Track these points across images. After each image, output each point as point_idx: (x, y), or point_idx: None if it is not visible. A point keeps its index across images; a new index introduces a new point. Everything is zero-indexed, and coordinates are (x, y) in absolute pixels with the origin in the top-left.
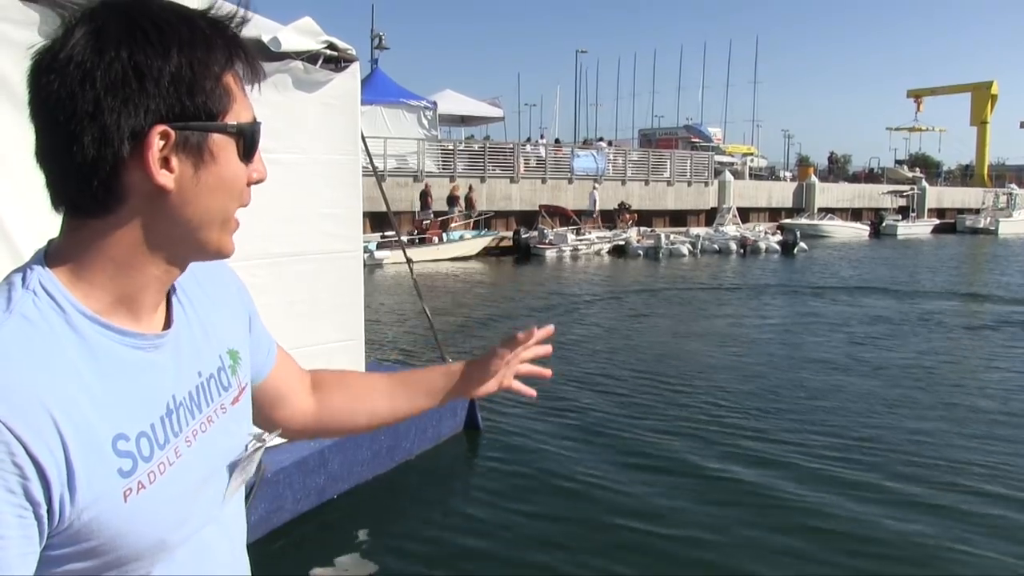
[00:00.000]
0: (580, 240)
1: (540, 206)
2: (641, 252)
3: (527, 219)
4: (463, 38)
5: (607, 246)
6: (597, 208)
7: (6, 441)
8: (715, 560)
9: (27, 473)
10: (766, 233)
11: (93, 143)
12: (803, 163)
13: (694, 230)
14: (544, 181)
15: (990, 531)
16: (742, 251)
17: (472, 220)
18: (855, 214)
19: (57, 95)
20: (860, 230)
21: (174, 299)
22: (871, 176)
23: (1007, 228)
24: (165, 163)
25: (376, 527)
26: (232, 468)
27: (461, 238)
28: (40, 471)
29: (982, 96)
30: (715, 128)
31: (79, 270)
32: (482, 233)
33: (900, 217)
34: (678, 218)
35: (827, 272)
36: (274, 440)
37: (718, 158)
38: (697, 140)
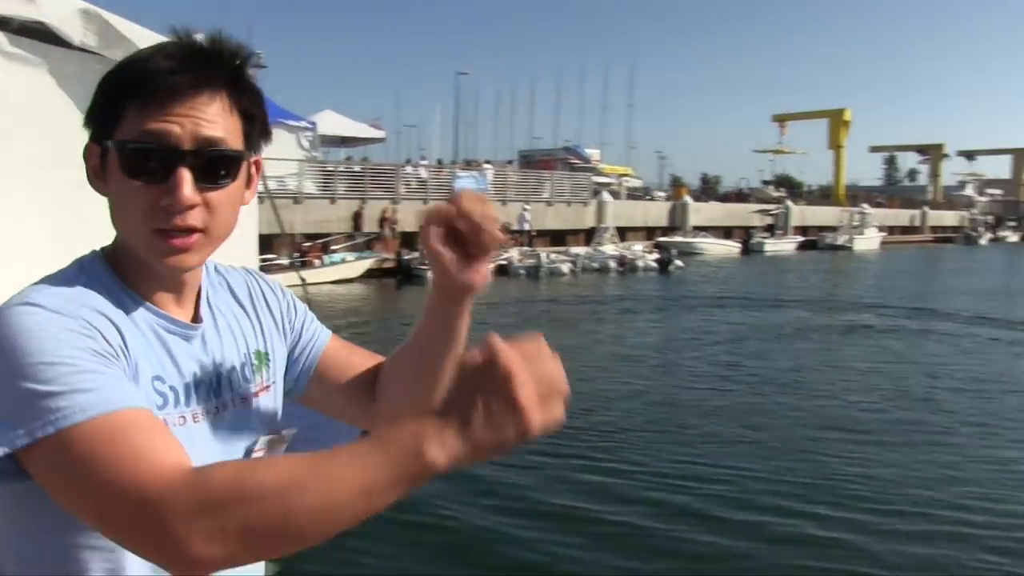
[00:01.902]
0: None
1: (422, 228)
2: (523, 271)
3: (409, 241)
4: (343, 59)
5: (489, 266)
6: (529, 228)
7: (68, 315)
8: None
9: (93, 334)
10: (643, 251)
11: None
12: (677, 183)
13: (574, 249)
14: (426, 203)
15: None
16: (621, 269)
17: (396, 241)
18: (726, 232)
19: None
20: (732, 247)
21: (203, 300)
22: (740, 196)
23: (861, 245)
24: (94, 173)
25: None
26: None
27: (343, 260)
28: (104, 336)
29: (837, 122)
30: (593, 149)
31: (128, 263)
32: (364, 255)
33: (768, 235)
34: (558, 238)
35: (702, 288)
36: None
37: (596, 179)
38: (576, 161)
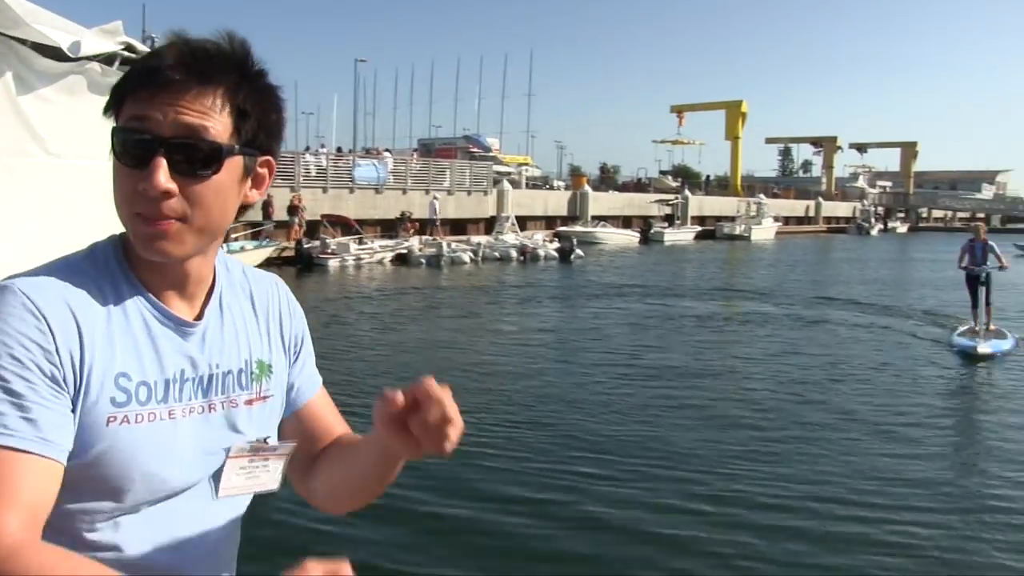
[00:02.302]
0: (363, 249)
1: (322, 216)
2: (424, 261)
3: (308, 229)
4: None
5: (390, 255)
6: (438, 216)
7: (32, 313)
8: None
9: (46, 341)
10: (544, 241)
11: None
12: (576, 173)
13: (475, 238)
14: (325, 191)
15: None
16: (522, 258)
17: (302, 229)
18: (626, 222)
19: None
20: (631, 237)
21: (213, 299)
22: (639, 186)
23: (758, 234)
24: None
25: None
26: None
27: (242, 249)
28: (56, 343)
29: (734, 113)
30: (492, 138)
31: (136, 251)
32: (263, 243)
33: (667, 225)
34: (458, 227)
35: (603, 277)
36: (285, 451)
37: (496, 168)
38: (476, 150)
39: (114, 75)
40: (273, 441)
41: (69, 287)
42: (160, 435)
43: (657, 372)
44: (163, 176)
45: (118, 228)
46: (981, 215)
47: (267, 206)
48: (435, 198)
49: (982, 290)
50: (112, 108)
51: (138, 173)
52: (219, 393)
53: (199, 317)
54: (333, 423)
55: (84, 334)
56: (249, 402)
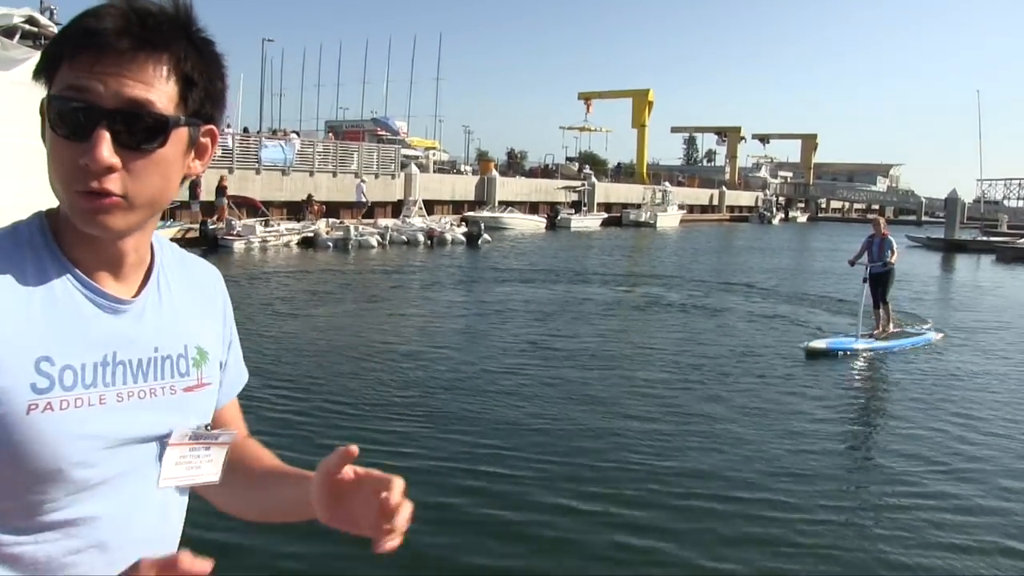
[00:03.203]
0: (269, 232)
1: (227, 196)
2: (331, 244)
3: (212, 210)
4: None
5: (296, 238)
6: (366, 199)
7: None
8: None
9: None
10: (451, 225)
11: None
12: (483, 158)
13: (382, 221)
14: (231, 171)
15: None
16: (429, 242)
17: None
18: (532, 207)
19: None
20: (538, 222)
21: (152, 278)
22: (546, 172)
23: (663, 222)
24: None
25: None
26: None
27: None
28: None
29: (641, 102)
30: (400, 122)
31: (66, 226)
32: (166, 224)
33: (573, 211)
34: (366, 210)
35: (511, 262)
36: (224, 443)
37: (404, 151)
38: (384, 133)
39: (15, 50)
40: (222, 434)
41: None
42: (89, 422)
43: (558, 359)
44: (107, 150)
45: (8, 213)
46: (876, 206)
47: (194, 186)
48: (362, 181)
49: (879, 290)
50: (44, 73)
51: (78, 146)
52: (158, 378)
53: (136, 296)
54: (242, 428)
55: (12, 306)
56: (189, 389)
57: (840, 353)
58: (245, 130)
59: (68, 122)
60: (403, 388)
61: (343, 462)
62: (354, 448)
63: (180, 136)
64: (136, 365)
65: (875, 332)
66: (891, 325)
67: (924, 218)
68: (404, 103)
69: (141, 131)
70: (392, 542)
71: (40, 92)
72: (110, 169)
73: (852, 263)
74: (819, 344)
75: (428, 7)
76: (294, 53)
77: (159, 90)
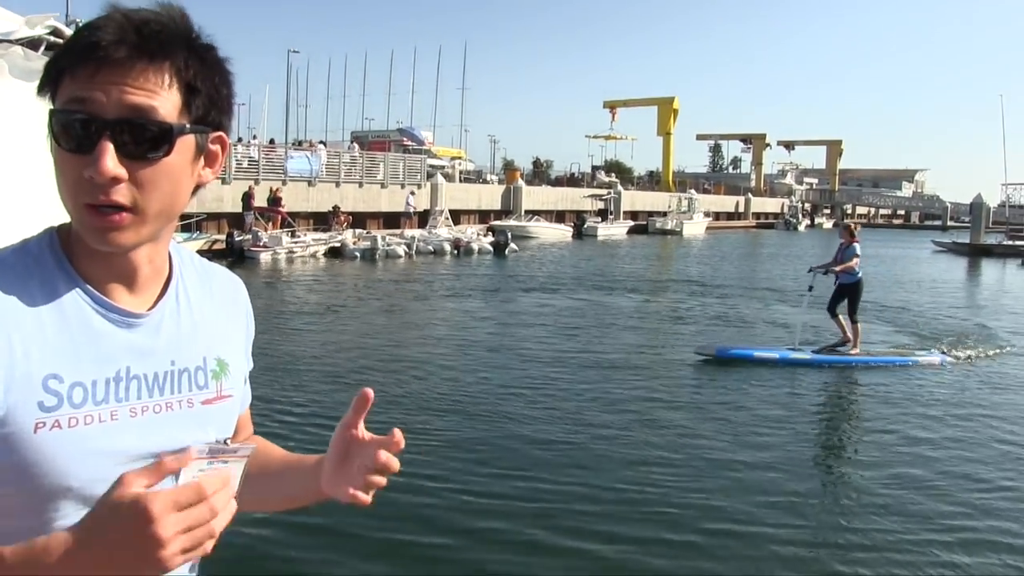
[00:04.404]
0: (295, 242)
1: (253, 208)
2: (358, 254)
3: (240, 221)
4: None
5: (323, 248)
6: (414, 209)
7: None
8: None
9: None
10: (478, 234)
11: None
12: (510, 167)
13: (409, 231)
14: (257, 183)
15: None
16: (456, 252)
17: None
18: (559, 216)
19: None
20: (564, 231)
21: (171, 290)
22: (572, 180)
23: (689, 229)
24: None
25: None
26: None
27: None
28: None
29: (666, 110)
30: (426, 132)
31: (78, 241)
32: (193, 236)
33: (600, 219)
34: (391, 220)
35: (539, 271)
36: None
37: (429, 161)
38: (410, 143)
39: (38, 60)
40: (241, 447)
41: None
42: (100, 438)
43: (585, 368)
44: (111, 161)
45: (37, 221)
46: (902, 212)
47: (248, 197)
48: (412, 193)
49: (842, 303)
50: (47, 87)
51: (82, 159)
52: (175, 391)
53: (152, 308)
54: (251, 436)
55: (21, 324)
56: (208, 401)
57: (750, 361)
58: (271, 141)
59: (72, 135)
60: (435, 395)
61: (362, 407)
62: (369, 391)
63: (187, 144)
64: (152, 379)
65: (851, 349)
66: (857, 346)
67: (950, 223)
68: (430, 113)
69: (145, 140)
70: (368, 496)
71: None
72: (116, 180)
73: (812, 270)
74: (709, 351)
75: (453, 17)
76: (320, 64)
77: (162, 98)
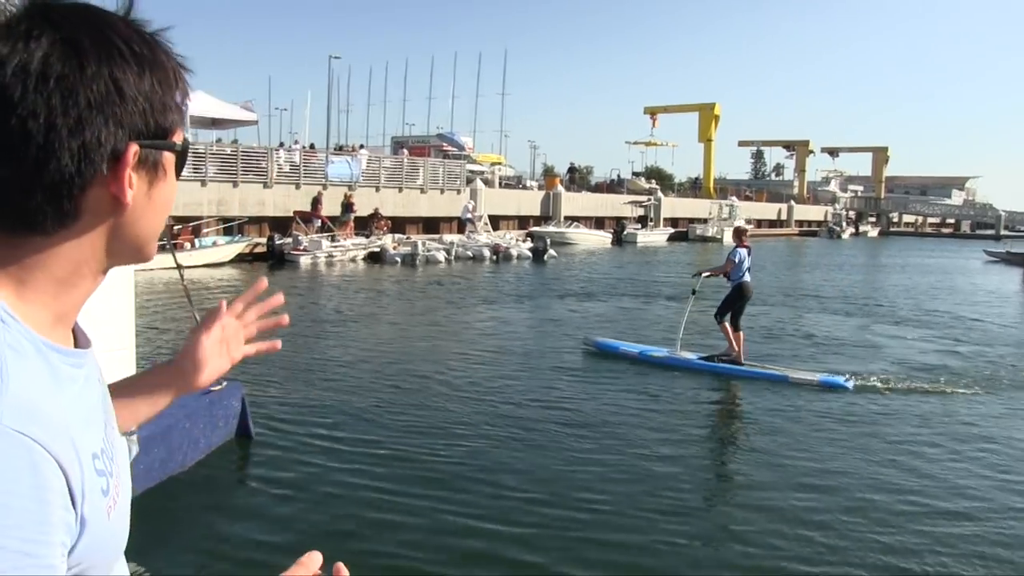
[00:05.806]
0: (335, 247)
1: (294, 212)
2: (398, 259)
3: (281, 225)
4: (212, 38)
5: (362, 253)
6: (473, 215)
7: (52, 468)
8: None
9: (65, 500)
10: (517, 240)
11: (73, 160)
12: (549, 173)
13: (448, 237)
14: (298, 187)
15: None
16: (495, 257)
17: (351, 224)
18: (598, 222)
19: (32, 110)
20: (604, 238)
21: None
22: (612, 187)
23: (730, 236)
24: (128, 180)
25: (150, 539)
26: None
27: (214, 244)
28: (72, 495)
29: (707, 116)
30: (466, 137)
31: (22, 291)
32: (235, 239)
33: (639, 226)
34: (431, 225)
35: (580, 276)
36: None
37: (469, 166)
38: (450, 148)
39: None
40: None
41: (43, 387)
42: (125, 488)
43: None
44: None
45: None
46: (951, 220)
47: (316, 203)
48: (471, 200)
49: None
50: (171, 124)
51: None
52: (108, 411)
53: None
54: None
55: (82, 459)
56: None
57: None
58: (312, 146)
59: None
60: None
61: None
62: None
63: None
64: (105, 410)
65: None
66: (739, 354)
67: (1003, 232)
68: (470, 118)
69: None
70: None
71: None
72: None
73: (697, 275)
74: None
75: (493, 23)
76: (361, 70)
77: None
